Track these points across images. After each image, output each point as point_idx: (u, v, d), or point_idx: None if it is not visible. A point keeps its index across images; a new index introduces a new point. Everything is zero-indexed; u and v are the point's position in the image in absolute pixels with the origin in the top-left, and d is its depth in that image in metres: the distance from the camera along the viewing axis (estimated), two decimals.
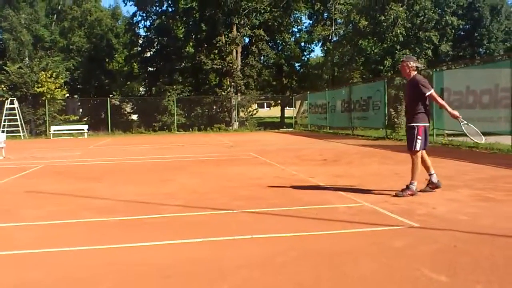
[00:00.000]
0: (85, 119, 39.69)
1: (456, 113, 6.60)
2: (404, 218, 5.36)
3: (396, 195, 6.54)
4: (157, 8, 39.70)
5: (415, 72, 6.75)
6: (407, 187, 6.59)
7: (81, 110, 44.27)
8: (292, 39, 46.20)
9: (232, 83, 37.42)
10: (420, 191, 6.81)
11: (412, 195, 6.50)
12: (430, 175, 6.83)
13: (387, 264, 3.83)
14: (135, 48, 42.64)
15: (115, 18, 51.43)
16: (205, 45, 38.70)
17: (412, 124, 6.59)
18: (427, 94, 6.53)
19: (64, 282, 3.65)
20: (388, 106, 21.12)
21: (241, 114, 37.95)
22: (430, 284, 3.37)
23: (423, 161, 6.77)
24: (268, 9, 39.43)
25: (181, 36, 41.07)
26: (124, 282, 3.62)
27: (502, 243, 4.36)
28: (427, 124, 6.67)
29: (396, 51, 33.92)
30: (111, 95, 41.84)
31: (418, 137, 6.51)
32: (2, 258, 4.30)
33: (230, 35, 37.05)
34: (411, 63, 6.70)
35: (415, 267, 3.72)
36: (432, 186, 6.84)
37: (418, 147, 6.54)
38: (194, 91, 38.33)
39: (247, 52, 39.97)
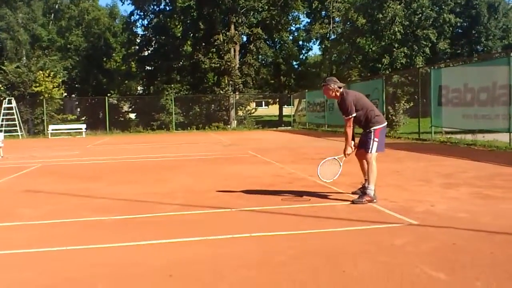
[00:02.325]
0: (83, 118, 39.62)
1: (348, 152, 6.37)
2: (403, 215, 5.35)
3: (353, 203, 6.12)
4: (155, 7, 39.64)
5: (341, 90, 6.37)
6: (364, 193, 6.22)
7: (79, 109, 44.19)
8: (290, 37, 46.17)
9: (230, 82, 37.37)
10: (353, 193, 6.68)
11: (370, 201, 6.08)
12: (366, 180, 6.41)
13: (386, 262, 3.81)
14: (133, 47, 42.56)
15: (113, 17, 51.34)
16: (203, 44, 38.62)
17: (368, 129, 6.28)
18: (346, 117, 6.27)
19: (60, 282, 3.62)
20: (386, 104, 21.12)
21: (239, 112, 37.92)
22: (429, 282, 3.35)
23: (365, 165, 6.43)
24: (266, 7, 39.34)
25: (179, 34, 41.00)
26: (122, 282, 3.60)
27: (501, 240, 4.35)
28: (384, 124, 6.35)
29: (394, 49, 33.96)
30: (109, 94, 41.78)
31: (375, 139, 6.21)
32: None
33: (228, 33, 36.98)
34: (332, 85, 6.34)
35: (414, 265, 3.70)
36: (363, 190, 6.36)
37: (374, 150, 6.22)
38: (192, 90, 38.29)
39: (245, 51, 39.93)
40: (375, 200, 6.11)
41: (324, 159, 6.69)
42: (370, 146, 6.23)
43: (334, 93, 6.39)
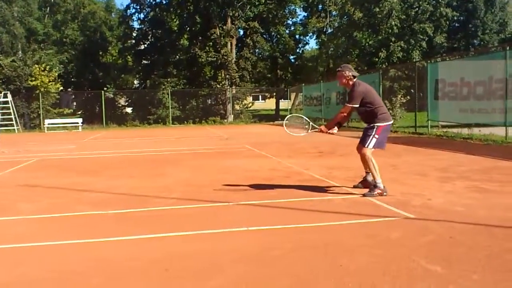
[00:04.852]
0: (79, 112, 39.51)
1: (323, 129, 6.49)
2: (399, 209, 5.36)
3: (364, 196, 6.11)
4: (151, 0, 39.43)
5: (355, 79, 6.36)
6: (374, 187, 6.17)
7: (75, 103, 44.03)
8: (287, 31, 46.08)
9: (227, 76, 37.30)
10: (354, 186, 6.72)
11: (381, 194, 6.07)
12: (367, 173, 6.52)
13: (383, 255, 3.83)
14: (129, 41, 42.37)
15: (109, 11, 51.05)
16: (200, 38, 38.51)
17: (372, 124, 6.24)
18: (347, 104, 6.29)
19: (59, 276, 3.62)
20: (383, 98, 21.11)
21: (236, 106, 37.88)
22: (426, 275, 3.37)
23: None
24: (263, 1, 39.24)
25: (176, 28, 40.84)
26: (119, 276, 3.60)
27: (498, 234, 4.36)
28: (389, 123, 6.33)
29: (391, 43, 33.90)
30: (105, 88, 41.65)
31: (375, 135, 6.18)
32: None
33: (224, 27, 36.88)
34: (347, 72, 6.33)
35: (411, 258, 3.72)
36: (365, 184, 6.53)
37: (371, 146, 6.19)
38: (188, 84, 38.22)
39: (241, 45, 39.84)
40: (385, 193, 6.09)
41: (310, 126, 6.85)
42: (368, 141, 6.22)
43: (347, 81, 6.37)
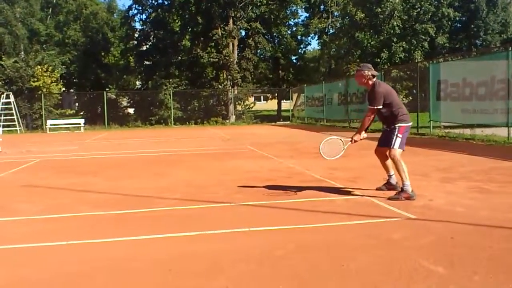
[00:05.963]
0: (82, 113, 39.55)
1: (356, 138, 6.37)
2: (401, 210, 5.36)
3: (389, 199, 5.93)
4: (153, 1, 39.44)
5: (374, 79, 6.25)
6: (402, 190, 6.02)
7: (77, 104, 44.12)
8: (289, 32, 46.08)
9: (229, 76, 37.31)
10: (376, 189, 6.58)
11: (408, 198, 5.89)
12: (390, 176, 6.50)
13: (385, 256, 3.83)
14: (131, 42, 42.41)
15: (111, 12, 51.10)
16: (202, 39, 38.52)
17: (393, 126, 6.14)
18: (370, 106, 6.23)
19: (59, 277, 3.63)
20: None
21: (238, 107, 37.89)
22: (428, 276, 3.37)
23: (386, 161, 6.42)
24: (265, 1, 39.23)
25: (177, 29, 40.86)
26: (122, 276, 3.61)
27: (499, 234, 4.36)
28: (409, 124, 6.24)
29: (393, 44, 33.90)
30: (107, 89, 41.70)
31: (399, 135, 6.07)
32: None
33: (226, 28, 36.90)
34: (366, 71, 6.19)
35: (413, 259, 3.71)
36: (389, 186, 6.45)
37: (397, 145, 6.06)
38: (190, 85, 38.21)
39: (243, 45, 39.84)
40: (413, 197, 5.93)
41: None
42: (393, 142, 6.07)
43: (366, 81, 6.25)
